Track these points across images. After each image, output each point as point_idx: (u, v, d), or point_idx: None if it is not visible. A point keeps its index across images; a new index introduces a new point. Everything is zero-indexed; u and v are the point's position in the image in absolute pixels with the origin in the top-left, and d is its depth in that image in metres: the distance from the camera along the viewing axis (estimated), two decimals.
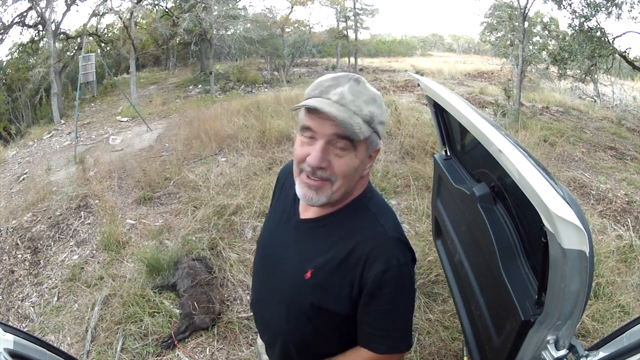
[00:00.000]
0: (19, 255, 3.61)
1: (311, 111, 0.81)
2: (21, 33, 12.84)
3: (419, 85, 1.82)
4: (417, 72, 14.72)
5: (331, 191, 0.85)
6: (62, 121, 11.07)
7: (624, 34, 7.71)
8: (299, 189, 0.88)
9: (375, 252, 0.87)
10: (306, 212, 0.98)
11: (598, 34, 7.44)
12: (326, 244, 0.92)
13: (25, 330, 1.85)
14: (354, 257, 0.88)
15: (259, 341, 1.25)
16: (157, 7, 15.29)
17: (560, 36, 9.63)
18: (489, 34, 15.56)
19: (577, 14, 7.48)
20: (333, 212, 0.93)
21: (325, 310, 0.92)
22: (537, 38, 11.98)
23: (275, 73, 15.41)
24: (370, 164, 0.90)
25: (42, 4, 11.78)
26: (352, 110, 0.79)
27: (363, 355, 0.97)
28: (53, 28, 12.04)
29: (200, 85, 14.17)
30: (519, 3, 8.67)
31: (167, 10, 15.17)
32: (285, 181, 1.08)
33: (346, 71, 0.81)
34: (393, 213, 0.98)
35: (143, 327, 2.49)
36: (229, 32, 14.88)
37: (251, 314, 2.57)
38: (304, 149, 0.84)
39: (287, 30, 17.93)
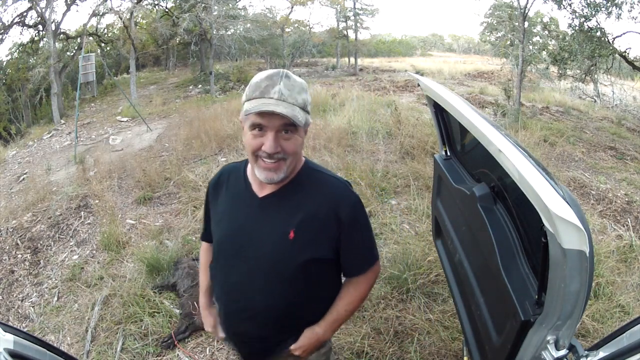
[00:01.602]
0: (19, 255, 3.61)
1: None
2: (21, 33, 12.90)
3: (419, 85, 1.82)
4: (417, 72, 14.72)
5: (286, 167, 1.03)
6: (62, 121, 11.08)
7: (624, 34, 7.72)
8: (261, 173, 1.03)
9: (340, 197, 1.09)
10: (263, 191, 1.11)
11: (598, 34, 7.44)
12: (296, 206, 1.08)
13: (25, 330, 1.85)
14: (325, 206, 1.07)
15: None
16: (157, 7, 15.31)
17: (560, 36, 9.63)
18: (489, 34, 15.59)
19: (577, 14, 7.48)
20: (290, 182, 1.09)
21: (316, 260, 1.08)
22: (537, 38, 12.00)
23: None
24: (305, 137, 1.08)
25: (42, 4, 11.79)
26: (291, 103, 0.97)
27: (354, 283, 1.17)
28: (53, 28, 12.05)
29: (200, 85, 14.17)
30: (519, 3, 8.68)
31: (167, 10, 15.18)
32: (228, 180, 1.20)
33: (279, 69, 0.91)
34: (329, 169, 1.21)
35: (143, 327, 2.49)
36: (229, 32, 14.90)
37: None
38: (257, 140, 1.00)
39: (287, 30, 17.95)
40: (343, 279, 1.22)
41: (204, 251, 1.35)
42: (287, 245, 1.06)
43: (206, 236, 1.31)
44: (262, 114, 0.96)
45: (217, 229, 1.20)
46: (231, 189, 1.18)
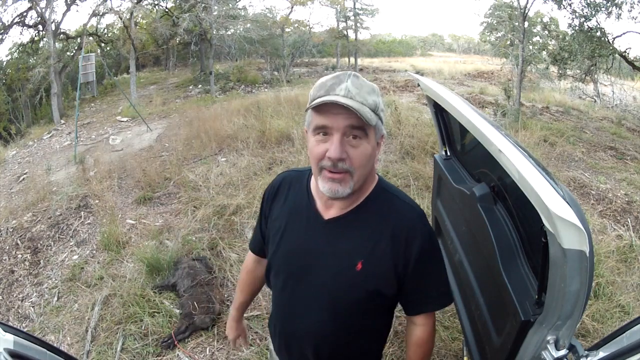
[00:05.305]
0: (19, 255, 3.61)
1: (323, 110, 0.88)
2: (21, 33, 12.84)
3: (419, 85, 1.82)
4: (417, 72, 14.71)
5: (353, 182, 0.92)
6: (62, 121, 11.07)
7: (624, 34, 7.72)
8: (324, 185, 0.92)
9: (412, 229, 0.98)
10: (329, 212, 1.01)
11: (598, 34, 7.44)
12: (365, 234, 0.98)
13: (25, 330, 1.85)
14: (395, 238, 0.97)
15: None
16: (157, 7, 15.28)
17: (560, 36, 9.63)
18: (489, 34, 15.56)
19: (577, 14, 7.48)
20: (359, 205, 0.99)
21: (378, 294, 0.98)
22: (537, 38, 11.98)
23: (275, 73, 15.39)
24: (378, 151, 0.97)
25: (42, 4, 11.77)
26: (359, 102, 0.86)
27: (421, 330, 1.06)
28: (53, 28, 12.03)
29: (200, 85, 14.16)
30: (519, 3, 8.67)
31: (167, 10, 15.16)
32: (289, 191, 1.09)
33: (344, 70, 0.86)
34: (404, 192, 1.09)
35: (143, 327, 2.49)
36: (229, 32, 14.86)
37: (252, 313, 2.57)
38: (321, 146, 0.90)
39: (287, 30, 17.93)
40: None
41: (249, 263, 1.28)
42: (353, 277, 0.96)
43: (255, 247, 1.22)
44: (323, 112, 0.87)
45: (274, 245, 1.08)
46: (291, 202, 1.07)
